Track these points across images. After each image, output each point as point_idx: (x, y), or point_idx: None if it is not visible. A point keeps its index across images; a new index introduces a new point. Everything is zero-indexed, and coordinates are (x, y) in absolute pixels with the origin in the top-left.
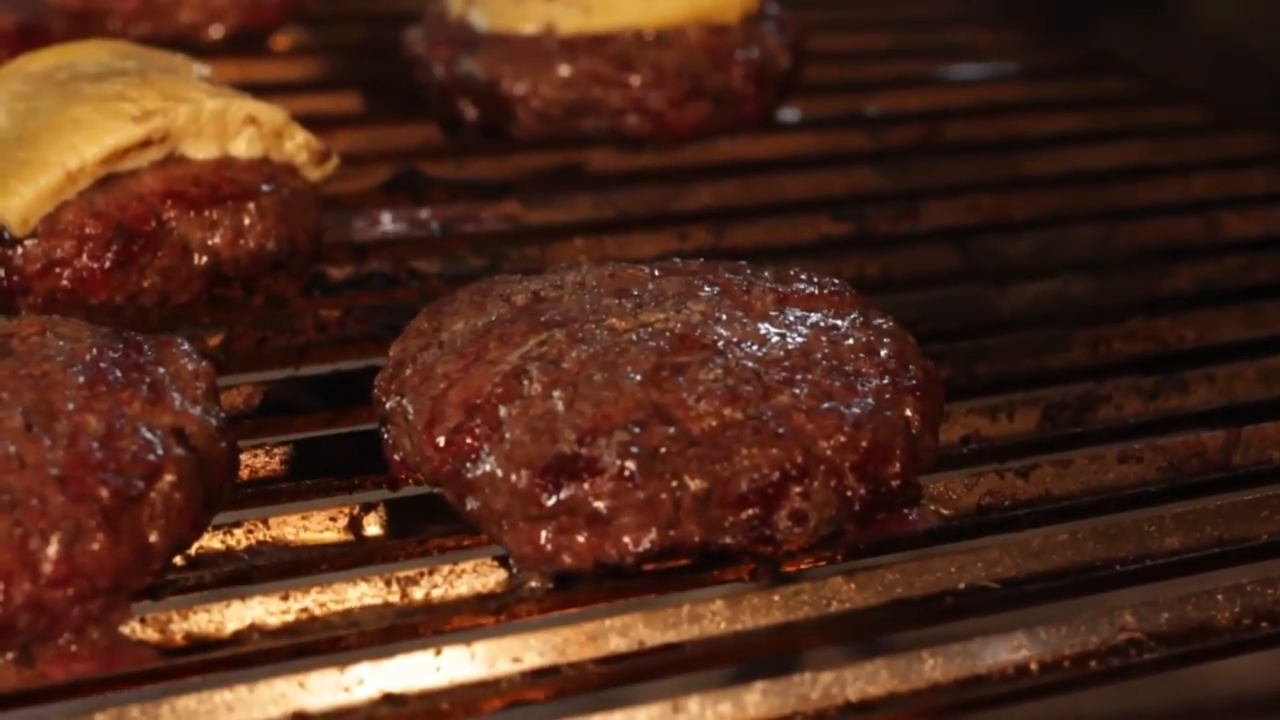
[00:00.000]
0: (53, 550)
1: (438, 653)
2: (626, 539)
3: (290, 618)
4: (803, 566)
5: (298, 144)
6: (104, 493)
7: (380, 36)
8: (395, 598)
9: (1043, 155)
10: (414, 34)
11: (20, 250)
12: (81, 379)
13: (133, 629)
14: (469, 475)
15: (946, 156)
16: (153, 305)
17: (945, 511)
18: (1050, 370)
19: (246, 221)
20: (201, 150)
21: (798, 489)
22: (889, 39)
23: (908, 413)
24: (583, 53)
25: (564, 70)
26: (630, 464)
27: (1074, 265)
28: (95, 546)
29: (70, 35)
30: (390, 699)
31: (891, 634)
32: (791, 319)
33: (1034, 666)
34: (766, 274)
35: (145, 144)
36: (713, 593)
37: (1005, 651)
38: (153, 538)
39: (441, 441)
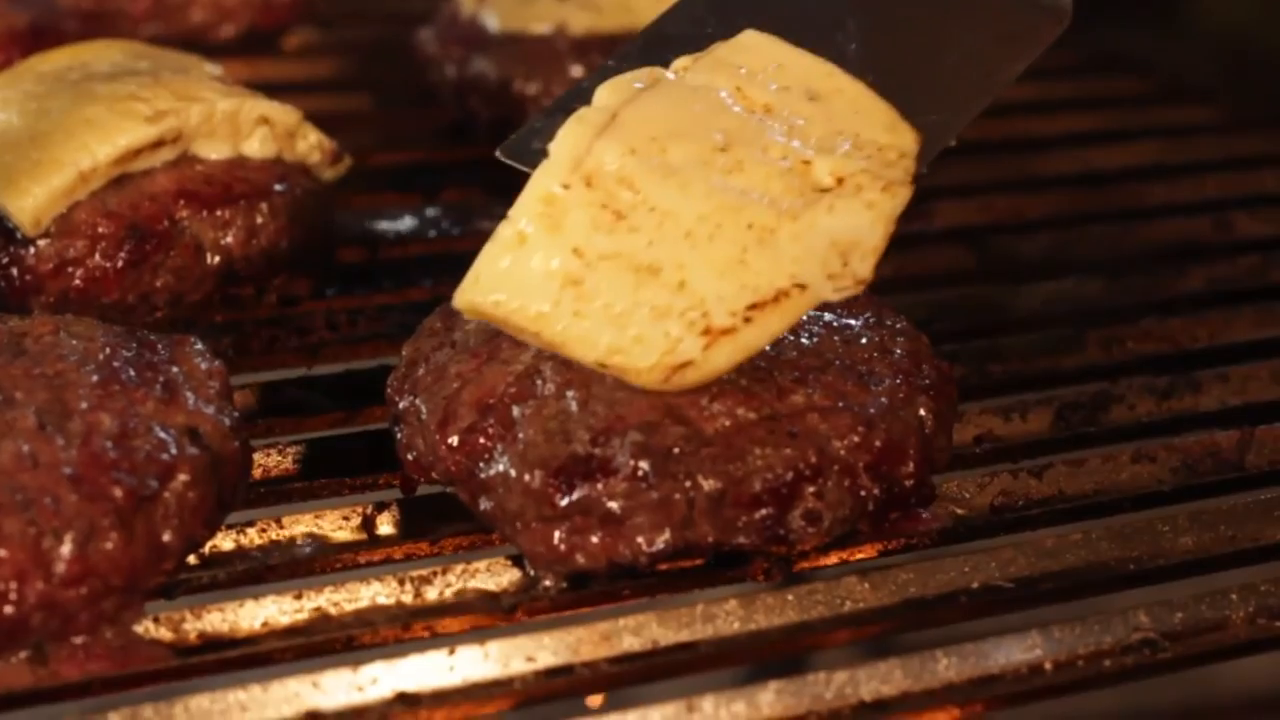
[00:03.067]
0: (66, 549)
1: (451, 652)
2: (640, 539)
3: (303, 617)
4: (816, 566)
5: (310, 144)
6: (118, 492)
7: (392, 36)
8: (409, 597)
9: (1055, 155)
10: (426, 34)
11: (33, 250)
12: (95, 378)
13: (146, 628)
14: (482, 475)
15: (959, 156)
16: (165, 305)
17: (959, 511)
18: (1064, 370)
19: (259, 221)
20: (214, 150)
21: (811, 489)
22: None
23: (921, 412)
24: (595, 53)
25: (576, 70)
26: (644, 464)
27: (1087, 265)
28: (109, 546)
29: (82, 35)
30: (404, 698)
31: (905, 633)
32: (804, 319)
33: (1048, 666)
34: None
35: (158, 144)
36: (726, 592)
37: (1019, 651)
38: (166, 537)
39: (455, 441)
